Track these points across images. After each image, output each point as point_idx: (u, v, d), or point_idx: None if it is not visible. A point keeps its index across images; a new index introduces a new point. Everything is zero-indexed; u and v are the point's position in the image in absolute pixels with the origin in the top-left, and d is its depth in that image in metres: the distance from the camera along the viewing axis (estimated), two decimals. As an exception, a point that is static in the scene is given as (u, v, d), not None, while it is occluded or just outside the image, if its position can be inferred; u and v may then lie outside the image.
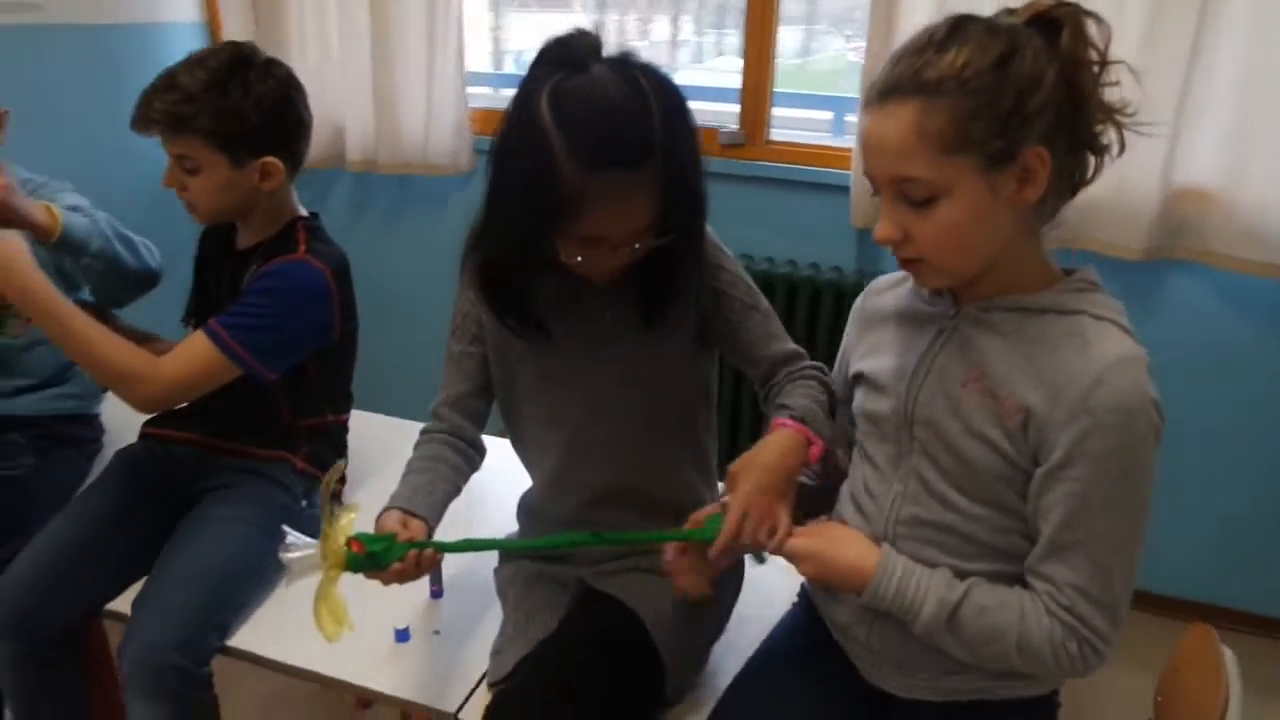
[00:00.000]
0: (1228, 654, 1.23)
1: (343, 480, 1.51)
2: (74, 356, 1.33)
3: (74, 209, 1.51)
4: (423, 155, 2.71)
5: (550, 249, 1.06)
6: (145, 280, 1.56)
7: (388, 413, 1.92)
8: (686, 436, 1.27)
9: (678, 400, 1.24)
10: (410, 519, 1.09)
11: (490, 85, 3.02)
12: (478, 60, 2.98)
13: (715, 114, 2.60)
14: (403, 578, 1.05)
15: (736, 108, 2.53)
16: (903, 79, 0.91)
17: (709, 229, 1.22)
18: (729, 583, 1.30)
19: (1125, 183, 2.14)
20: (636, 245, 1.07)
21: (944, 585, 1.00)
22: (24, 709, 1.35)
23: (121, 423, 1.64)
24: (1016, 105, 0.88)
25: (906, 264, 1.00)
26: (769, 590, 1.36)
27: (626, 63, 1.03)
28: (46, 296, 1.30)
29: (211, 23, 2.83)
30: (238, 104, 1.33)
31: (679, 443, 1.26)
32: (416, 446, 1.25)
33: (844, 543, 1.05)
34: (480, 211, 1.13)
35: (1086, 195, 2.18)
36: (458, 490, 1.22)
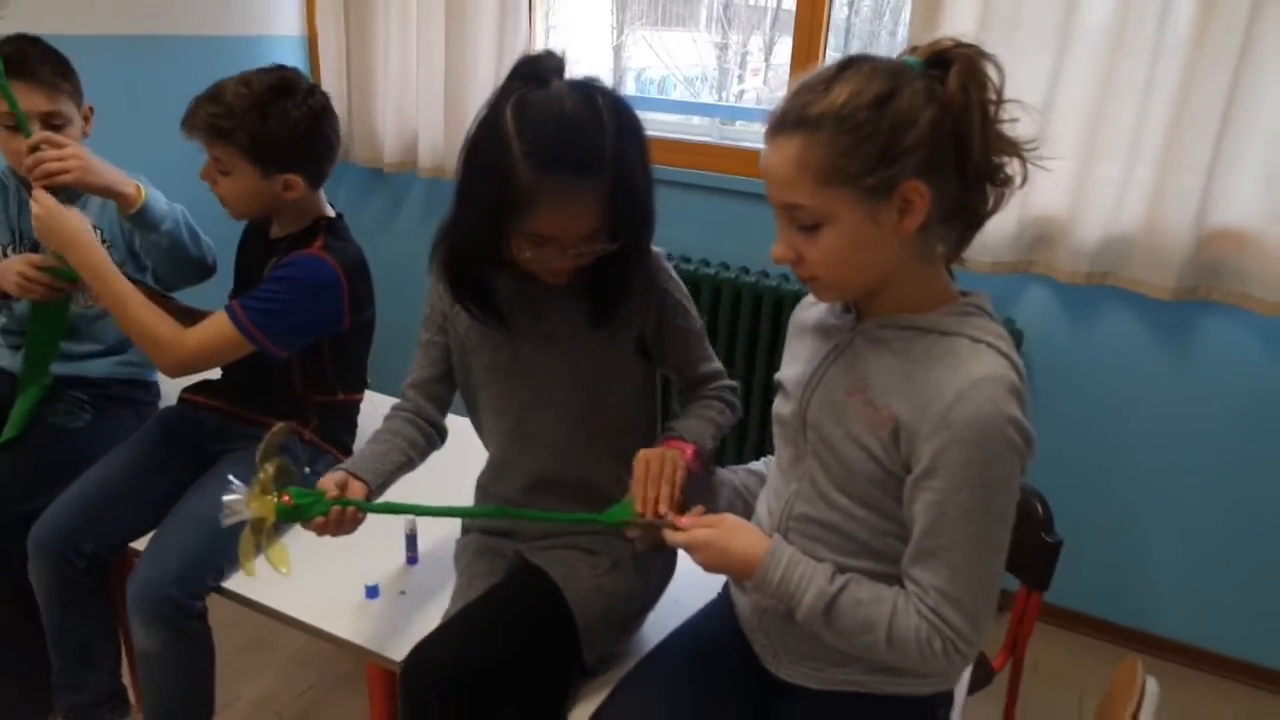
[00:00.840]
0: (1151, 683, 1.26)
1: (296, 437, 1.65)
2: (116, 319, 1.55)
3: None
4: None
5: (505, 244, 1.19)
6: (200, 269, 1.77)
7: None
8: (621, 434, 1.36)
9: (615, 399, 1.35)
10: (352, 481, 1.23)
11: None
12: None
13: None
14: (325, 530, 1.19)
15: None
16: (789, 114, 0.98)
17: (660, 252, 1.33)
18: (658, 564, 1.40)
19: (1155, 221, 2.13)
20: (583, 249, 1.18)
21: (825, 577, 1.07)
22: (55, 625, 1.57)
23: (173, 390, 1.85)
24: (889, 143, 0.94)
25: (805, 281, 1.07)
26: (705, 574, 1.44)
27: (587, 84, 1.17)
28: (102, 265, 1.53)
29: (310, 36, 3.10)
30: (273, 127, 1.51)
31: (614, 439, 1.35)
32: (384, 421, 1.39)
33: (737, 533, 1.12)
34: (449, 208, 1.25)
35: (1116, 232, 2.19)
36: (410, 462, 1.35)
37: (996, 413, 0.96)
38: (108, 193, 1.61)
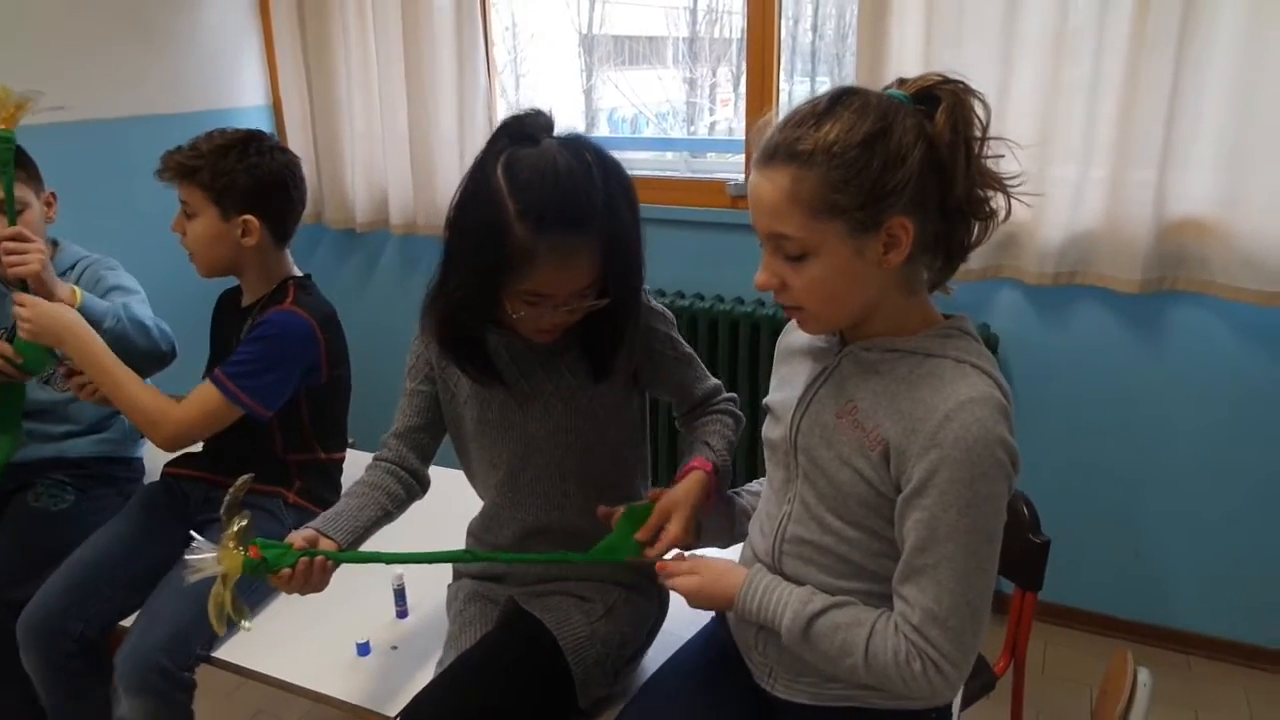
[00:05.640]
0: (1143, 674, 1.27)
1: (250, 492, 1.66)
2: (114, 400, 1.58)
3: (116, 288, 1.78)
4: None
5: (498, 304, 1.18)
6: (154, 359, 1.76)
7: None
8: (615, 479, 1.37)
9: (607, 446, 1.35)
10: (321, 539, 1.21)
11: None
12: (570, 121, 3.07)
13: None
14: (293, 584, 1.16)
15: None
16: (781, 146, 0.99)
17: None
18: (652, 609, 1.41)
19: (1116, 217, 2.16)
20: (575, 306, 1.18)
21: (800, 602, 1.07)
22: (54, 710, 1.56)
23: (156, 466, 1.85)
24: (879, 180, 0.95)
25: (788, 310, 1.08)
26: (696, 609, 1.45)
27: (575, 140, 1.17)
28: (100, 351, 1.57)
29: (275, 105, 3.15)
30: (232, 167, 1.58)
31: (607, 485, 1.36)
32: (365, 472, 1.38)
33: (715, 572, 1.17)
34: (437, 269, 1.24)
35: (1079, 230, 2.22)
36: (388, 515, 1.33)
37: (985, 434, 0.96)
38: (49, 295, 1.62)
